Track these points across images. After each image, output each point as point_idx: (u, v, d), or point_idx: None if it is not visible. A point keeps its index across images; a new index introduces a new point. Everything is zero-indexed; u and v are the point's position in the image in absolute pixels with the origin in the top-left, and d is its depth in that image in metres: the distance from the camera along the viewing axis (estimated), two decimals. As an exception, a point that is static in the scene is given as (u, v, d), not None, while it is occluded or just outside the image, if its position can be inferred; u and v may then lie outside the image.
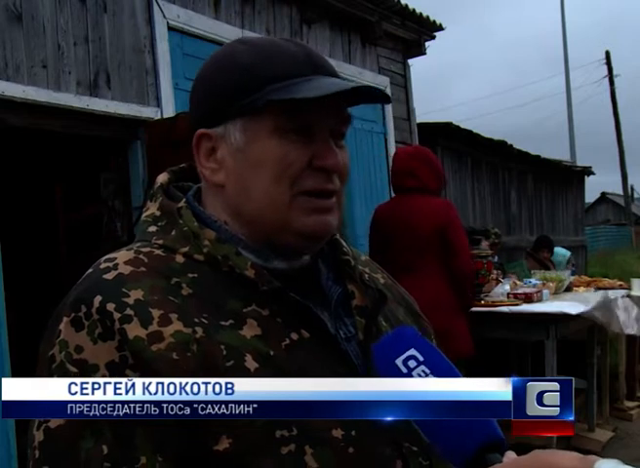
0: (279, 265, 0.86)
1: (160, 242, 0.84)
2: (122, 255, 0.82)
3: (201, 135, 0.86)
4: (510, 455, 0.70)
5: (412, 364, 0.71)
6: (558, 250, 6.99)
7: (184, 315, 0.76)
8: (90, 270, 0.82)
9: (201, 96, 0.87)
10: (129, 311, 0.75)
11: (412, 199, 3.39)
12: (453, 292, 3.35)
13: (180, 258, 0.83)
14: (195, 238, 0.84)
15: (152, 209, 0.89)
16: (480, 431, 0.69)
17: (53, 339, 0.76)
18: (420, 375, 0.71)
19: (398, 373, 0.71)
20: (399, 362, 0.72)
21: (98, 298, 0.76)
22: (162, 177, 0.93)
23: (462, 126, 7.20)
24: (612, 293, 5.09)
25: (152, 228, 0.87)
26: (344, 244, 0.95)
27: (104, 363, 0.72)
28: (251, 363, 0.75)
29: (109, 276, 0.79)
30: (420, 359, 0.72)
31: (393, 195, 3.60)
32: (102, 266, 0.81)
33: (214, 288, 0.81)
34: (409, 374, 0.71)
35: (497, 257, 5.71)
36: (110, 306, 0.75)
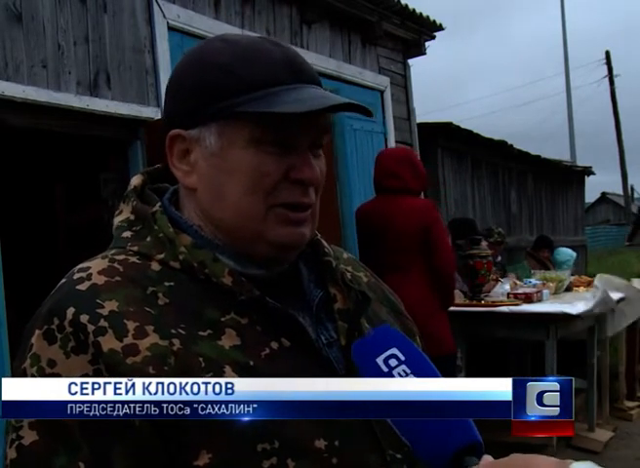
0: (257, 272, 0.84)
1: (135, 248, 0.82)
2: (96, 265, 0.80)
3: (175, 135, 0.83)
4: (487, 458, 0.69)
5: (393, 363, 0.71)
6: (564, 250, 6.94)
7: (161, 326, 0.74)
8: (63, 280, 0.80)
9: (176, 94, 0.84)
10: (103, 323, 0.73)
11: (394, 199, 3.42)
12: (435, 290, 3.37)
13: (155, 266, 0.80)
14: (171, 244, 0.81)
15: (125, 212, 0.87)
16: (458, 434, 0.68)
17: (25, 353, 0.75)
18: (400, 375, 0.70)
19: (378, 372, 0.71)
20: (380, 360, 0.71)
21: (71, 310, 0.74)
22: (135, 179, 0.90)
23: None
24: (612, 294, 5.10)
25: (127, 234, 0.84)
26: (326, 244, 0.92)
27: (79, 377, 0.70)
28: (230, 374, 0.74)
29: (83, 287, 0.76)
30: (402, 358, 0.71)
31: (374, 195, 3.62)
32: (76, 277, 0.78)
33: (191, 296, 0.78)
34: (389, 373, 0.70)
35: (499, 257, 5.71)
36: (84, 318, 0.73)
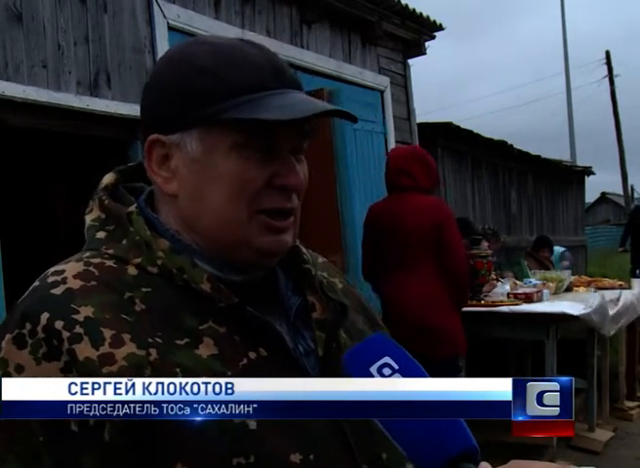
0: (236, 278, 0.82)
1: (111, 252, 0.80)
2: (71, 268, 0.77)
3: (154, 140, 0.81)
4: (485, 466, 0.69)
5: (386, 371, 0.70)
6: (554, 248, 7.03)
7: (138, 335, 0.72)
8: (36, 283, 0.77)
9: (155, 98, 0.81)
10: (78, 329, 0.71)
11: (406, 197, 3.41)
12: (447, 289, 3.36)
13: (132, 270, 0.78)
14: (148, 248, 0.79)
15: (96, 211, 0.84)
16: (454, 440, 0.68)
17: None
18: None
19: None
20: (373, 369, 0.70)
21: (45, 315, 0.71)
22: (107, 177, 0.88)
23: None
24: (611, 294, 5.10)
25: (101, 234, 0.82)
26: (305, 251, 0.91)
27: None
28: None
29: (57, 291, 0.74)
30: (395, 367, 0.70)
31: (386, 194, 3.62)
32: (50, 280, 0.76)
33: (168, 303, 0.77)
34: None
35: (494, 257, 5.70)
36: (59, 324, 0.71)
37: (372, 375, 0.70)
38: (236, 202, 0.78)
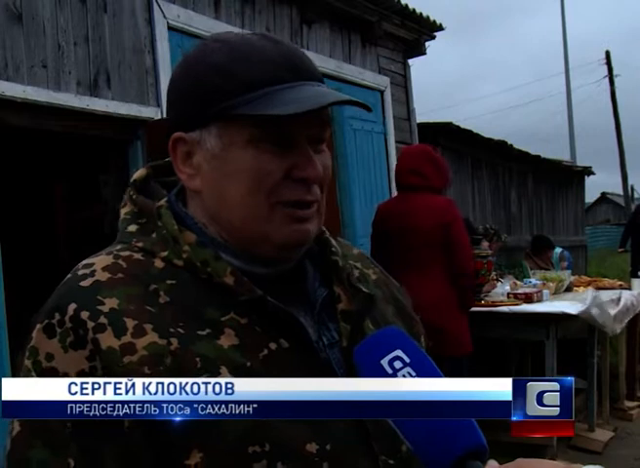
0: (262, 270, 0.83)
1: (140, 245, 0.82)
2: (100, 261, 0.80)
3: (177, 138, 0.83)
4: (492, 464, 0.68)
5: (397, 365, 0.70)
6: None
7: (160, 325, 0.74)
8: (69, 276, 0.80)
9: (176, 97, 0.84)
10: (103, 319, 0.73)
11: (416, 197, 3.40)
12: (454, 289, 3.36)
13: (159, 263, 0.80)
14: (175, 241, 0.81)
15: (129, 205, 0.87)
16: (463, 438, 0.68)
17: (25, 346, 0.76)
18: (404, 377, 0.69)
19: (383, 374, 0.70)
20: (384, 362, 0.70)
21: (72, 306, 0.74)
22: (139, 172, 0.90)
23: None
24: (611, 294, 5.10)
25: (132, 227, 0.84)
26: (334, 243, 0.92)
27: (75, 372, 0.71)
28: (226, 375, 0.73)
29: (86, 283, 0.77)
30: (407, 360, 0.70)
31: (395, 193, 3.61)
32: (80, 273, 0.79)
33: (192, 295, 0.78)
34: (394, 375, 0.69)
35: (494, 257, 5.70)
36: (84, 314, 0.73)
37: (382, 368, 0.70)
38: (255, 195, 0.79)
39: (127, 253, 0.81)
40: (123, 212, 0.87)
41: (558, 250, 7.17)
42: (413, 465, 0.80)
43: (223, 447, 0.71)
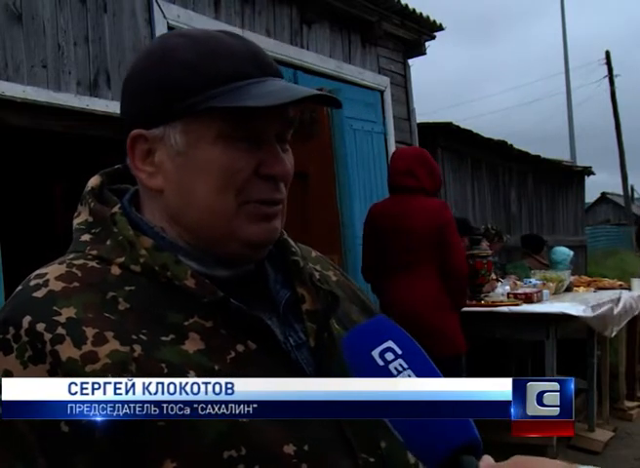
0: (223, 273, 0.82)
1: (94, 253, 0.79)
2: (53, 270, 0.77)
3: (137, 136, 0.80)
4: (487, 460, 0.68)
5: (389, 356, 0.68)
6: (560, 249, 6.95)
7: (121, 332, 0.72)
8: (19, 288, 0.77)
9: (136, 92, 0.81)
10: (60, 330, 0.70)
11: (409, 199, 3.42)
12: (446, 290, 3.38)
13: (115, 270, 0.78)
14: (131, 247, 0.78)
15: (84, 214, 0.84)
16: (455, 431, 0.66)
17: None
18: (397, 369, 0.68)
19: (374, 366, 0.68)
20: (375, 353, 0.68)
21: (27, 319, 0.71)
22: (93, 180, 0.87)
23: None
24: (611, 294, 5.10)
25: (85, 237, 0.81)
26: (293, 243, 0.90)
27: None
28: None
29: (39, 294, 0.74)
30: (398, 352, 0.68)
31: (386, 194, 3.63)
32: (32, 283, 0.76)
33: (152, 300, 0.76)
34: (385, 367, 0.68)
35: (496, 257, 5.71)
36: (40, 326, 0.70)
37: (373, 360, 0.68)
38: (224, 192, 0.77)
39: (81, 262, 0.78)
40: (76, 222, 0.84)
41: (569, 252, 7.03)
42: (394, 461, 0.79)
43: (198, 453, 0.69)
